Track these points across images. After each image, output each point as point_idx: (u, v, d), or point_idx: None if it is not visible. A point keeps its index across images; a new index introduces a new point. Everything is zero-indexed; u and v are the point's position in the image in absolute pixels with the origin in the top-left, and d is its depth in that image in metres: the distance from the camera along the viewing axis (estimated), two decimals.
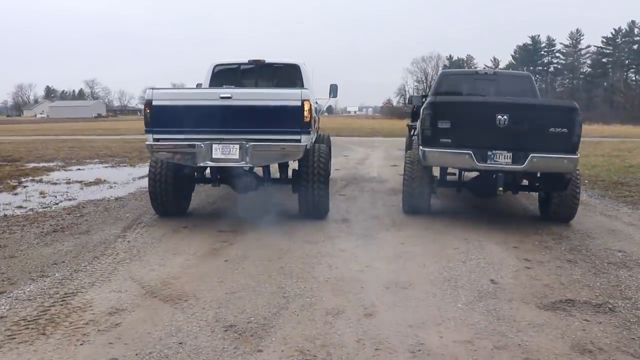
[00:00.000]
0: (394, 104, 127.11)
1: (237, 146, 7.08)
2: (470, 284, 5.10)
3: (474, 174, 8.26)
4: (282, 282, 5.09)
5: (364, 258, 5.97)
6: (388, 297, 4.71)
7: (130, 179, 12.84)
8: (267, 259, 5.91)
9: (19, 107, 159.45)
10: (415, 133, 18.00)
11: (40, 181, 12.34)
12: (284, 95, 7.26)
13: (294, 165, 8.05)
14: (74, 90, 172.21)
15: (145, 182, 12.09)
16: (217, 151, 7.12)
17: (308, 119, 7.13)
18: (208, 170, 8.17)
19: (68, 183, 12.00)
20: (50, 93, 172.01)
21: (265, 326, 4.06)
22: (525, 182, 8.70)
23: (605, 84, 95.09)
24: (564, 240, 7.07)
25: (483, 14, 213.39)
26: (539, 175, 7.94)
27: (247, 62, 10.16)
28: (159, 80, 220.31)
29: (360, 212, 8.67)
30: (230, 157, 7.12)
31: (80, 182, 12.15)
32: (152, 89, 7.43)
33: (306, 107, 7.08)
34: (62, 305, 4.48)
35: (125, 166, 16.03)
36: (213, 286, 4.98)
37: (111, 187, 11.45)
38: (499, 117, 7.14)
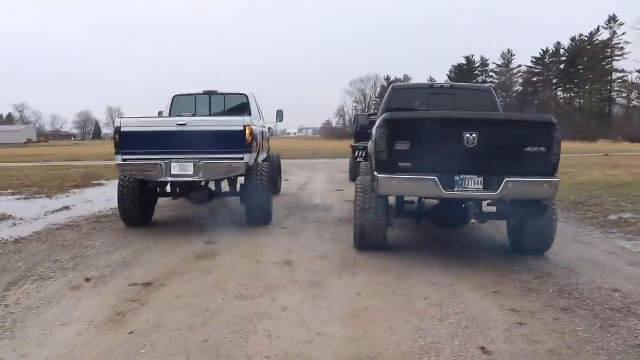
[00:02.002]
0: (334, 124, 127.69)
1: (192, 164, 8.34)
2: (456, 357, 3.82)
3: (436, 201, 7.06)
4: None
5: (312, 320, 4.59)
6: None
7: (42, 214, 11.04)
8: (188, 326, 4.46)
9: None
10: (360, 155, 17.04)
11: None
12: (229, 122, 8.66)
13: (242, 180, 9.25)
14: (1, 115, 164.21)
15: (57, 218, 10.47)
16: (175, 168, 8.37)
17: (249, 141, 8.39)
18: (169, 186, 9.58)
19: None
20: None
21: None
22: (491, 208, 7.63)
23: (536, 102, 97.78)
24: (548, 278, 5.95)
25: (418, 36, 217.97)
26: (507, 201, 6.81)
27: (202, 92, 11.81)
28: (94, 104, 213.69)
29: (305, 250, 7.32)
30: (186, 173, 8.38)
31: None
32: (121, 118, 8.76)
33: (247, 132, 8.37)
34: None
35: (40, 197, 14.11)
36: None
37: (14, 225, 9.68)
38: (467, 135, 5.97)
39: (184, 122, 8.43)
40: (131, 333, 4.33)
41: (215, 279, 5.92)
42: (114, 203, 12.46)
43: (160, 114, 11.68)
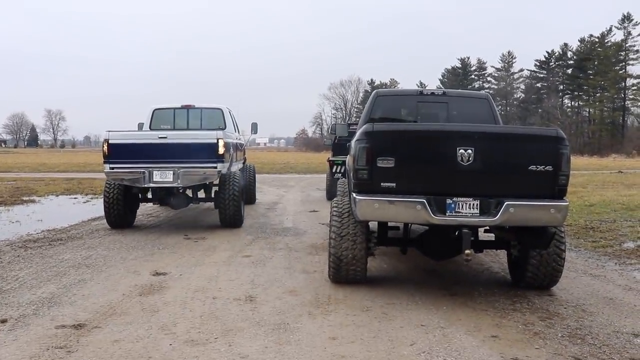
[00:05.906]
0: (310, 134, 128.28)
1: (171, 172, 10.81)
2: None
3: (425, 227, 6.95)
4: None
5: None
6: None
7: None
8: None
9: None
10: (338, 170, 17.00)
11: None
12: (204, 136, 11.24)
13: (216, 188, 11.84)
14: None
15: None
16: (157, 175, 10.84)
17: (222, 152, 10.88)
18: (150, 192, 12.47)
19: None
20: None
21: None
22: (489, 234, 7.54)
23: (540, 110, 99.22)
24: (556, 319, 5.85)
25: (407, 35, 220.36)
26: (507, 227, 6.71)
27: (180, 106, 14.31)
28: (30, 105, 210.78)
29: (272, 284, 7.14)
30: (166, 180, 10.87)
31: None
32: (109, 131, 11.02)
33: (220, 144, 10.85)
34: None
35: None
36: None
37: None
38: (462, 151, 5.90)
39: (165, 136, 11.10)
40: None
41: (161, 320, 5.69)
42: (47, 224, 12.30)
43: (140, 126, 14.26)
